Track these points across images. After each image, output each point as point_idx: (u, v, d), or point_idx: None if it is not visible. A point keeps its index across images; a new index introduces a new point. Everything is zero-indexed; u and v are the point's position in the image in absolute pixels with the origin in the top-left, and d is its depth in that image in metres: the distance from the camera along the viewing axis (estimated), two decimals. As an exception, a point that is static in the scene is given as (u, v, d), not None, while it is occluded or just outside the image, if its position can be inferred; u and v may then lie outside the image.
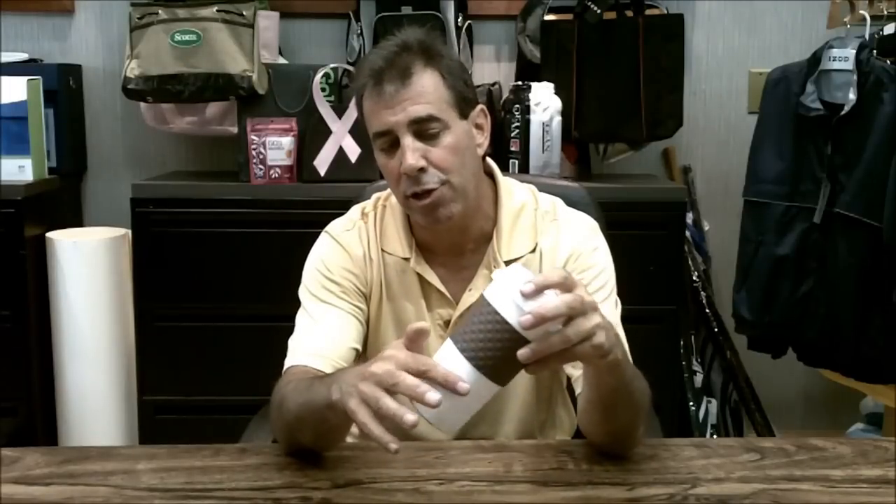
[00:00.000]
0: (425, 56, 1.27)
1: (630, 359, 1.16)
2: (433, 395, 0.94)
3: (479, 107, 1.35)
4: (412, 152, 1.25)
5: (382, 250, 1.38)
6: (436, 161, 1.26)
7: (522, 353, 0.95)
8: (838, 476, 1.15)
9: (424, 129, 1.26)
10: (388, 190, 1.43)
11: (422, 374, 0.95)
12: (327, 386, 1.06)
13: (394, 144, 1.27)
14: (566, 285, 0.97)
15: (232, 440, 1.31)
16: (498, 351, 0.96)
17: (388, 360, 0.98)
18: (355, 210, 1.43)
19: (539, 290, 0.95)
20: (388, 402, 0.95)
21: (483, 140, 1.34)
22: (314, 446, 1.18)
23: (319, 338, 1.30)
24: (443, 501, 1.08)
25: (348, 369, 1.11)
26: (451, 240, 1.36)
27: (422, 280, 1.36)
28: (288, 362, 1.28)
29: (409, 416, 0.93)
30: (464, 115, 1.30)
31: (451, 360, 0.96)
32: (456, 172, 1.27)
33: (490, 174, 1.40)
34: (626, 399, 1.12)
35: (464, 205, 1.29)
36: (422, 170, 1.25)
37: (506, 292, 0.96)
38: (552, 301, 0.95)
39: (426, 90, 1.26)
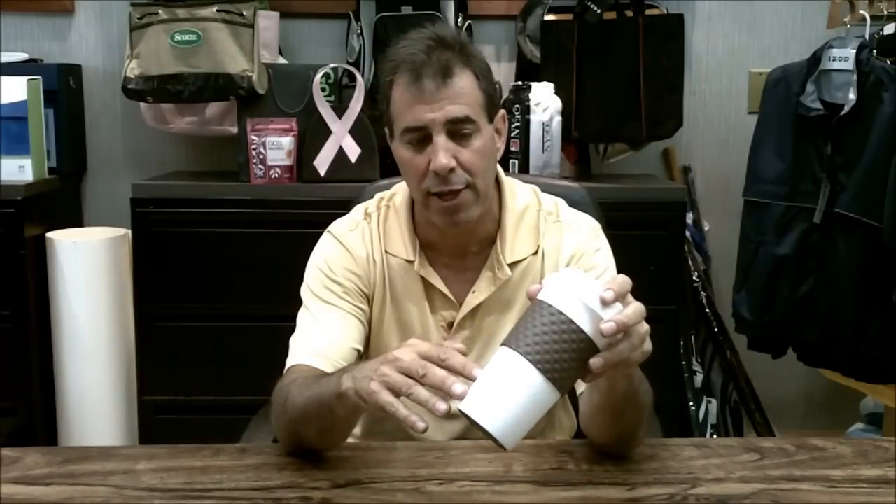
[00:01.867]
0: (463, 55, 1.26)
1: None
2: (459, 386, 0.93)
3: (502, 112, 1.35)
4: (445, 152, 1.24)
5: (386, 251, 1.37)
6: (465, 163, 1.26)
7: (595, 361, 0.94)
8: (838, 476, 1.15)
9: (458, 130, 1.25)
10: (391, 190, 1.43)
11: (451, 369, 0.95)
12: (336, 378, 1.07)
13: (423, 140, 1.26)
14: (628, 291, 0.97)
15: (232, 440, 1.31)
16: (569, 360, 0.93)
17: (411, 347, 0.98)
18: (358, 210, 1.43)
19: (618, 299, 0.95)
20: (421, 391, 0.94)
21: (501, 145, 1.35)
22: (317, 443, 1.18)
23: (321, 338, 1.30)
24: (443, 501, 1.08)
25: (361, 363, 1.11)
26: (456, 241, 1.36)
27: (425, 282, 1.36)
28: (289, 362, 1.29)
29: (441, 405, 0.93)
30: (490, 118, 1.30)
31: (513, 368, 0.93)
32: (481, 176, 1.28)
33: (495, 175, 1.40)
34: (633, 403, 1.12)
35: (482, 209, 1.30)
36: (451, 170, 1.25)
37: (575, 298, 0.93)
38: (630, 309, 0.96)
39: (464, 90, 1.25)
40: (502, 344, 0.96)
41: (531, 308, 0.96)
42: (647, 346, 0.99)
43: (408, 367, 0.97)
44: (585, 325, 0.93)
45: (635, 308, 0.97)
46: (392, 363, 0.98)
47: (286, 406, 1.17)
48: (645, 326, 0.99)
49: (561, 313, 0.93)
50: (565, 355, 0.93)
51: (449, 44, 1.26)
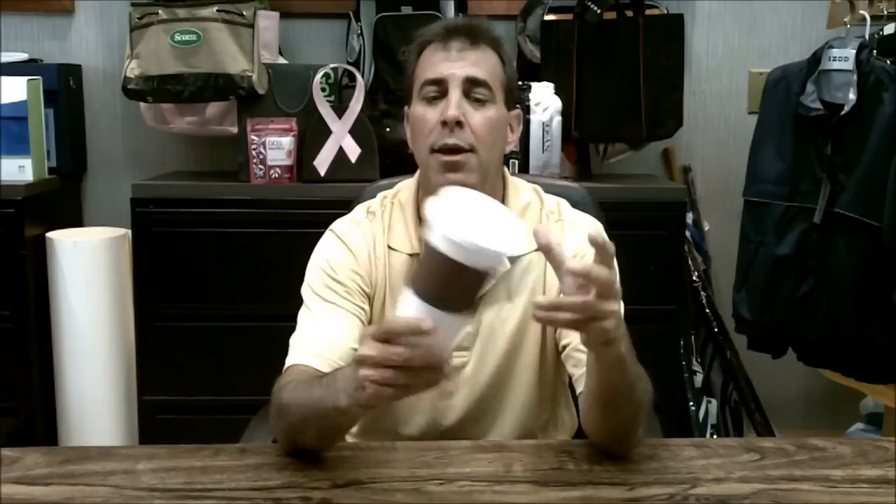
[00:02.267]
0: (492, 40, 1.34)
1: (635, 358, 1.16)
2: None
3: (518, 111, 1.40)
4: (456, 105, 1.28)
5: (389, 247, 1.38)
6: (474, 125, 1.29)
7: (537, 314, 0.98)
8: (838, 476, 1.15)
9: (474, 93, 1.30)
10: (395, 188, 1.43)
11: (393, 337, 0.96)
12: (333, 392, 1.07)
13: (438, 97, 1.30)
14: (604, 263, 0.99)
15: (232, 440, 1.31)
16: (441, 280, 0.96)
17: (368, 341, 0.98)
18: (360, 209, 1.43)
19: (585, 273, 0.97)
20: (400, 376, 0.95)
21: (512, 141, 1.39)
22: (315, 446, 1.19)
23: (321, 338, 1.30)
24: (443, 501, 1.08)
25: (344, 370, 1.11)
26: None
27: None
28: (289, 361, 1.28)
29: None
30: (507, 105, 1.35)
31: (410, 307, 0.97)
32: (485, 147, 1.30)
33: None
34: (627, 396, 1.12)
35: (480, 182, 1.30)
36: (459, 124, 1.28)
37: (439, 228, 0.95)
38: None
39: (488, 60, 1.32)
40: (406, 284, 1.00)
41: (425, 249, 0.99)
42: (608, 324, 0.99)
43: (376, 362, 0.96)
44: (441, 246, 0.94)
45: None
46: (370, 365, 0.97)
47: (282, 411, 1.18)
48: (612, 306, 0.99)
49: (438, 251, 0.95)
50: (452, 284, 0.96)
51: (484, 27, 1.34)
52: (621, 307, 1.34)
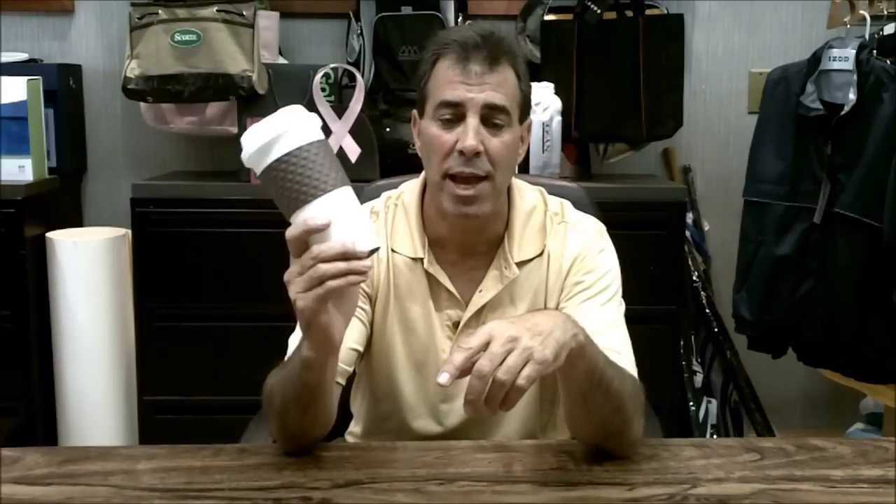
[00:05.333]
0: (510, 53, 1.30)
1: (607, 358, 1.16)
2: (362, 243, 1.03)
3: (529, 120, 1.37)
4: (475, 133, 1.26)
5: (392, 250, 1.37)
6: (491, 152, 1.27)
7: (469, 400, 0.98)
8: (838, 476, 1.15)
9: (492, 118, 1.27)
10: (399, 189, 1.43)
11: (298, 244, 1.04)
12: (297, 352, 1.11)
13: (455, 120, 1.27)
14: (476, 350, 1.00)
15: (232, 440, 1.31)
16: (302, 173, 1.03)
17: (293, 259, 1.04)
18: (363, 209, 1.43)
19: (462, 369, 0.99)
20: (331, 266, 1.01)
21: (522, 151, 1.36)
22: (303, 426, 1.18)
23: None
24: (443, 501, 1.08)
25: None
26: (465, 240, 1.36)
27: (431, 281, 1.36)
28: (286, 359, 1.28)
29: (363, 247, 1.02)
30: (521, 120, 1.33)
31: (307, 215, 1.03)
32: (501, 171, 1.29)
33: None
34: (599, 387, 1.12)
35: (493, 207, 1.30)
36: (477, 154, 1.26)
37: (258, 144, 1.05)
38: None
39: (507, 82, 1.28)
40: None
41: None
42: (540, 355, 1.00)
43: (302, 268, 1.02)
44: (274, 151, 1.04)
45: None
46: (291, 276, 1.04)
47: (270, 399, 1.19)
48: (519, 346, 1.00)
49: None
50: (321, 168, 1.04)
51: (501, 38, 1.30)
52: (621, 309, 1.35)
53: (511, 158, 1.31)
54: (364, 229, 1.05)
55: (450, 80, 1.27)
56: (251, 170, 1.10)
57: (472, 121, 1.26)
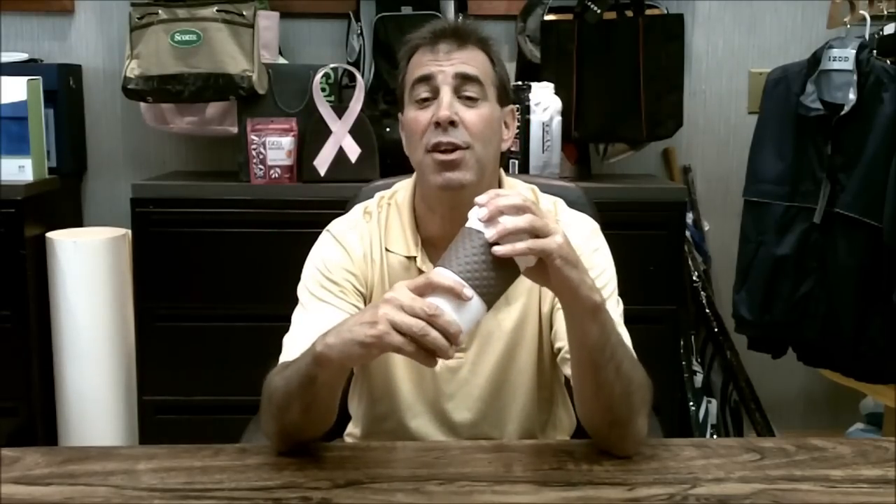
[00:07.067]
0: (481, 40, 1.34)
1: (622, 340, 1.17)
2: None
3: (514, 106, 1.40)
4: (448, 105, 1.28)
5: (386, 249, 1.37)
6: (467, 122, 1.28)
7: (497, 249, 1.02)
8: (838, 476, 1.15)
9: (465, 89, 1.29)
10: (392, 189, 1.43)
11: (428, 291, 1.02)
12: (310, 348, 1.10)
13: (429, 99, 1.29)
14: (522, 208, 1.04)
15: (232, 440, 1.31)
16: (489, 273, 1.03)
17: (402, 292, 1.02)
18: (357, 209, 1.43)
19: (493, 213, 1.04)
20: (435, 334, 0.99)
21: (508, 138, 1.38)
22: (303, 424, 1.17)
23: (314, 336, 1.29)
24: (443, 501, 1.08)
25: (336, 327, 1.11)
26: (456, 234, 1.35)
27: None
28: (281, 358, 1.28)
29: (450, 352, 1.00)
30: (501, 103, 1.34)
31: (447, 276, 1.03)
32: (481, 143, 1.29)
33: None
34: (612, 360, 1.12)
35: (478, 179, 1.30)
36: (452, 123, 1.27)
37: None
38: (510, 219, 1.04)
39: (477, 59, 1.32)
40: (437, 265, 1.05)
41: (459, 235, 1.06)
42: (551, 244, 1.04)
43: (414, 312, 1.00)
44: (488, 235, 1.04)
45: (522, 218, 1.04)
46: (396, 306, 1.01)
47: (271, 396, 1.18)
48: (552, 237, 1.04)
49: (480, 233, 1.04)
50: (486, 271, 1.03)
51: (474, 27, 1.35)
52: (619, 308, 1.35)
53: (490, 133, 1.31)
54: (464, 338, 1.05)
55: (420, 62, 1.32)
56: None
57: (446, 91, 1.28)
